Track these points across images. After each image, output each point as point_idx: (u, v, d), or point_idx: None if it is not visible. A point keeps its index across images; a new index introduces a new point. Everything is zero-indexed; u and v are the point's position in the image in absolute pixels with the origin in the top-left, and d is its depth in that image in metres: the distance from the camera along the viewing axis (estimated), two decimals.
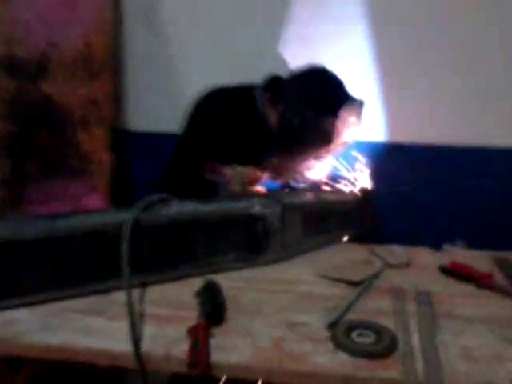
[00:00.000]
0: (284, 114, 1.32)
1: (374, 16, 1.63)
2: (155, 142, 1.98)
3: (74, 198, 1.83)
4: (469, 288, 1.01)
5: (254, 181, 1.38)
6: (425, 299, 0.93)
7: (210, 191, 1.42)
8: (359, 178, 1.35)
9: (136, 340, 0.79)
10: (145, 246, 0.97)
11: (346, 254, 1.18)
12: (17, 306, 0.89)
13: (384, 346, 0.78)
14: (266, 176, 1.38)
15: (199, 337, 0.79)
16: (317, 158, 1.34)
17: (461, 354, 0.78)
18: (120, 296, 0.89)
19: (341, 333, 0.81)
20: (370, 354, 0.77)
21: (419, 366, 0.74)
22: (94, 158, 1.84)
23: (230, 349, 0.78)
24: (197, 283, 0.94)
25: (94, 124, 1.84)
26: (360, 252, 1.21)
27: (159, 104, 1.97)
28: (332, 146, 1.28)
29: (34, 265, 0.90)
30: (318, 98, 1.28)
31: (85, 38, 1.80)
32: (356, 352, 0.77)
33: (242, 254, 1.06)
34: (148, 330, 0.83)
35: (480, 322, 0.88)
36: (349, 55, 1.66)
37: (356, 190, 1.35)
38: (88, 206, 1.83)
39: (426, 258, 1.19)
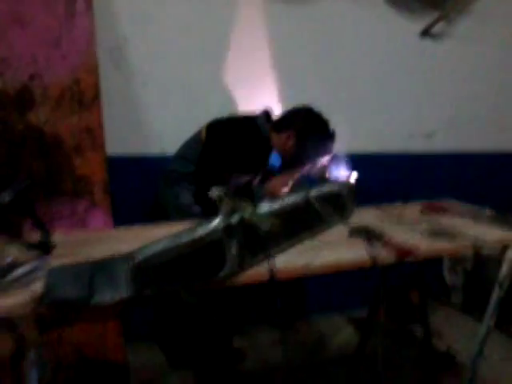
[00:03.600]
0: (299, 137, 2.02)
1: None
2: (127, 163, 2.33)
3: (78, 217, 2.00)
4: (444, 215, 1.94)
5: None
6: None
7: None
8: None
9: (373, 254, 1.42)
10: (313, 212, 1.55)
11: (369, 210, 1.97)
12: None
13: None
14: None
15: None
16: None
17: None
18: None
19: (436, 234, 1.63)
20: None
21: None
22: (92, 180, 2.05)
23: None
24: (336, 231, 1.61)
25: (88, 150, 2.04)
26: (371, 209, 2.01)
27: (128, 131, 2.33)
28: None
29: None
30: (323, 127, 2.04)
31: (73, 75, 2.01)
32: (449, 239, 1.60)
33: (339, 214, 1.73)
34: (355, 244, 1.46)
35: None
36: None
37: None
38: (91, 221, 2.04)
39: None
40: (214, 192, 1.31)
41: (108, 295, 1.00)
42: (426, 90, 3.07)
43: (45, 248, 1.27)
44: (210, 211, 1.98)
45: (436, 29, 2.99)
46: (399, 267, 1.49)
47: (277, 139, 2.06)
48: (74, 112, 2.02)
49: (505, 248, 1.72)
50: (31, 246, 1.26)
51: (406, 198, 2.14)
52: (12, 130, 1.94)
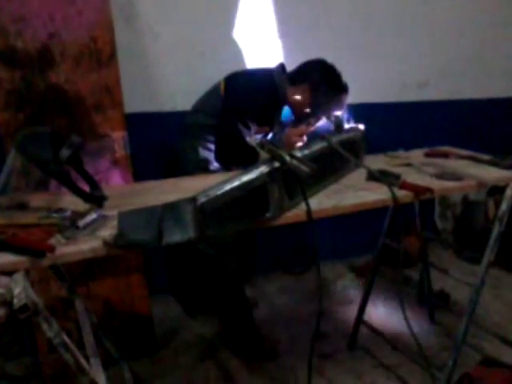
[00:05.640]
0: (314, 91, 2.10)
1: None
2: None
3: (99, 174, 2.08)
4: (446, 160, 2.08)
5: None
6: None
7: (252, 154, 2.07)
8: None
9: (393, 192, 1.56)
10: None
11: (377, 157, 2.10)
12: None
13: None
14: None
15: None
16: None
17: None
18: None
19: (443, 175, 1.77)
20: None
21: None
22: (112, 137, 2.12)
23: None
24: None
25: (108, 108, 2.11)
26: (379, 156, 2.14)
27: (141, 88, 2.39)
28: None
29: None
30: (337, 81, 2.13)
31: (90, 33, 2.06)
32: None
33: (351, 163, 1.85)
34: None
35: None
36: None
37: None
38: (112, 179, 2.12)
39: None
40: (254, 140, 1.42)
41: (177, 235, 1.12)
42: (419, 41, 3.18)
43: (100, 200, 1.37)
44: (229, 165, 2.11)
45: None
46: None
47: (292, 92, 2.13)
48: (93, 70, 2.07)
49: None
50: (88, 199, 1.36)
51: (407, 146, 2.28)
52: (34, 89, 1.99)
